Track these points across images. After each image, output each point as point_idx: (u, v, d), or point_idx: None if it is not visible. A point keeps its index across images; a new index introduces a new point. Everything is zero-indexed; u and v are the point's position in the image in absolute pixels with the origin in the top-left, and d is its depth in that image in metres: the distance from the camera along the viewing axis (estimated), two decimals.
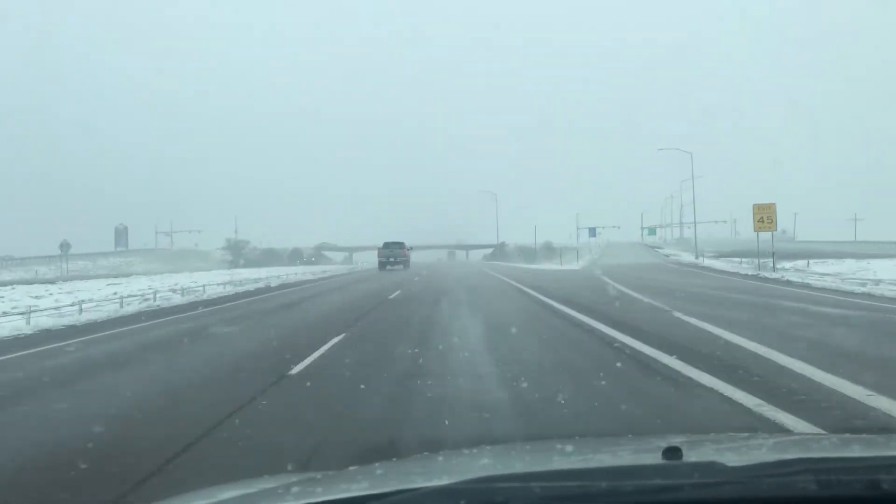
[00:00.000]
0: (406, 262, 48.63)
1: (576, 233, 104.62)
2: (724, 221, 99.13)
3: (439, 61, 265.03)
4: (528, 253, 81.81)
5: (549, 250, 78.09)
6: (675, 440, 1.61)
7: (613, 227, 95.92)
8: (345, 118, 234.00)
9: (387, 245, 50.15)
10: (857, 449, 1.83)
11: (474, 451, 1.94)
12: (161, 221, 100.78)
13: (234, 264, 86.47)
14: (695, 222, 55.58)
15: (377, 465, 1.75)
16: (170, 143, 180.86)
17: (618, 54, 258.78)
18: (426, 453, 1.96)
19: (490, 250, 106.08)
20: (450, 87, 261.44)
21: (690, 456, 1.48)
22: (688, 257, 52.15)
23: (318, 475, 1.69)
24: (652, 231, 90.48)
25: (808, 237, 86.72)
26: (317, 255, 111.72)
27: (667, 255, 59.88)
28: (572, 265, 45.79)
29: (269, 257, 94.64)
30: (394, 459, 1.94)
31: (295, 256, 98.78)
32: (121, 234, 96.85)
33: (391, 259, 47.48)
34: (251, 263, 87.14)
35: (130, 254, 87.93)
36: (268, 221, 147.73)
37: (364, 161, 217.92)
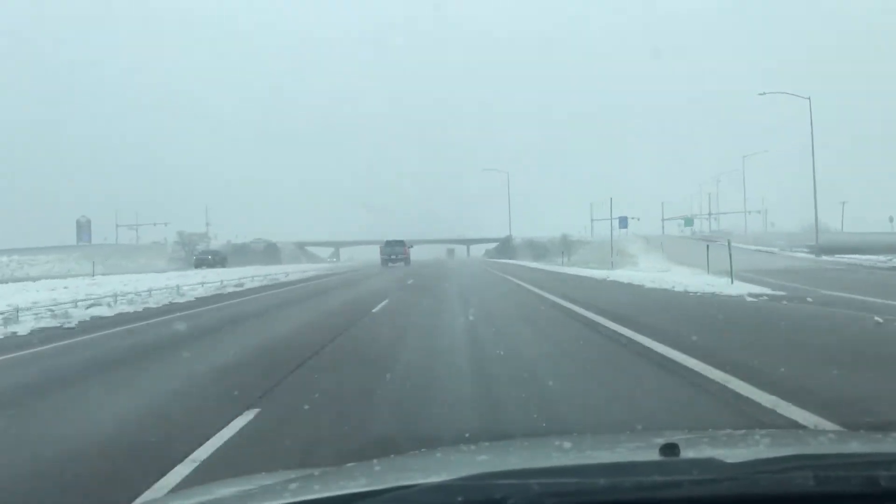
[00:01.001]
0: (406, 260, 57.65)
1: (590, 225, 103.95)
2: (759, 212, 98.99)
3: (439, 58, 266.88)
4: (538, 248, 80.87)
5: (566, 245, 77.29)
6: (673, 437, 1.76)
7: (633, 218, 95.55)
8: (336, 111, 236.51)
9: (388, 243, 59.44)
10: (855, 445, 1.97)
11: (472, 447, 2.10)
12: (142, 215, 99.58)
13: (190, 262, 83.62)
14: (814, 204, 43.52)
15: (375, 461, 1.91)
16: (147, 135, 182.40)
17: (618, 48, 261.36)
18: (424, 449, 2.12)
19: (493, 245, 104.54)
20: (445, 80, 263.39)
21: (688, 452, 1.61)
22: (782, 252, 45.22)
23: (316, 472, 1.85)
24: (689, 221, 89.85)
25: (850, 228, 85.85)
26: (297, 251, 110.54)
27: (770, 252, 50.35)
28: (695, 269, 27.81)
29: (242, 254, 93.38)
30: (392, 456, 2.10)
31: (269, 253, 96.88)
32: (83, 228, 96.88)
33: (392, 256, 56.69)
34: (219, 262, 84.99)
35: (52, 251, 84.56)
36: (252, 218, 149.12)
37: (355, 155, 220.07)
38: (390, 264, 54.84)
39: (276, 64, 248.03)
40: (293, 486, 1.57)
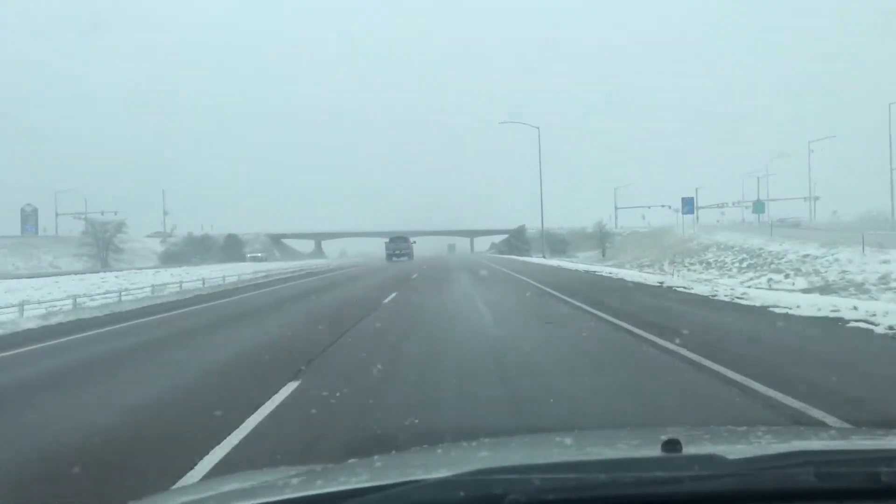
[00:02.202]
0: (410, 254, 68.54)
1: (615, 214, 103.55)
2: (818, 198, 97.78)
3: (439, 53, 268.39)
4: (555, 241, 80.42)
5: (599, 238, 76.44)
6: (675, 433, 1.97)
7: (662, 206, 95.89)
8: (323, 91, 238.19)
9: (393, 239, 70.81)
10: (856, 441, 2.18)
11: (473, 443, 2.32)
12: (101, 207, 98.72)
13: (101, 259, 79.26)
14: None
15: (376, 457, 2.12)
16: (113, 126, 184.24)
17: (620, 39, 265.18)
18: (425, 446, 2.33)
19: (500, 238, 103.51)
20: (444, 74, 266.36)
21: (690, 448, 1.82)
22: None
23: (318, 468, 2.07)
24: (760, 207, 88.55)
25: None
26: (271, 244, 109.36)
27: None
28: None
29: (200, 247, 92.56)
30: (393, 452, 2.32)
31: (231, 247, 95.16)
32: (28, 217, 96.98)
33: (397, 251, 67.26)
34: (172, 259, 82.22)
35: None
36: (231, 209, 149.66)
37: (343, 144, 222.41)
38: (394, 259, 64.98)
39: (258, 49, 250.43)
40: (295, 481, 1.79)
